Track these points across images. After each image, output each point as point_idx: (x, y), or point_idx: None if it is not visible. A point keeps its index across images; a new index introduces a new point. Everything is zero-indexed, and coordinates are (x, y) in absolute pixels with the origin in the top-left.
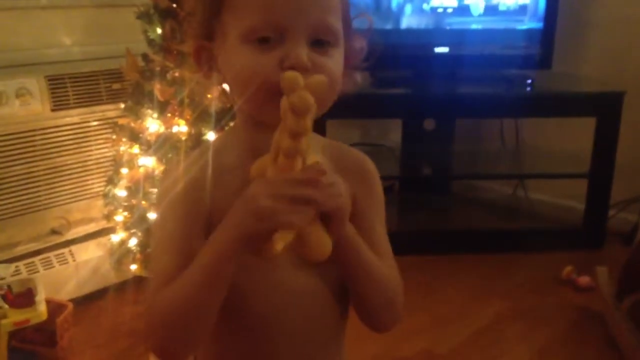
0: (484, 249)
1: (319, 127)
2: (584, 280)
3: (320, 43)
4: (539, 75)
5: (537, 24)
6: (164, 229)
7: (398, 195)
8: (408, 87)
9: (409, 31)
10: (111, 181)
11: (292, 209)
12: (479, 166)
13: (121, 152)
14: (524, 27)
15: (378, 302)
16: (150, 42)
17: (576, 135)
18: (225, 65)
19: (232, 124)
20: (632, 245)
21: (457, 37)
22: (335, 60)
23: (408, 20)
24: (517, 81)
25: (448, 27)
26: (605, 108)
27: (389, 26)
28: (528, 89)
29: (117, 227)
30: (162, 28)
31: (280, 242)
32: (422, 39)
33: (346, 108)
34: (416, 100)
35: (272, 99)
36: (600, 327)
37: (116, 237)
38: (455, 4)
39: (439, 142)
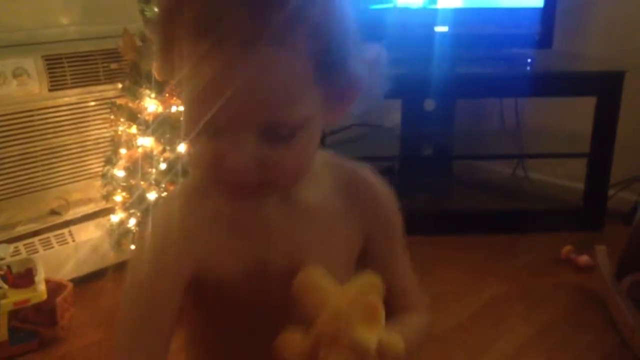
0: (484, 229)
1: None
2: (583, 259)
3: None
4: (539, 55)
5: (537, 3)
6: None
7: (398, 176)
8: (407, 67)
9: (408, 10)
10: (109, 161)
11: None
12: (479, 146)
13: (119, 132)
14: (524, 5)
15: None
16: (147, 21)
17: (576, 115)
18: None
19: None
20: (632, 225)
21: (456, 16)
22: (296, 150)
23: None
24: (517, 61)
25: (447, 6)
26: (605, 87)
27: (387, 5)
28: (528, 68)
29: (116, 207)
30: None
31: None
32: (421, 18)
33: None
34: (416, 80)
35: (221, 181)
36: (599, 306)
37: (115, 218)
38: None
39: (439, 122)
